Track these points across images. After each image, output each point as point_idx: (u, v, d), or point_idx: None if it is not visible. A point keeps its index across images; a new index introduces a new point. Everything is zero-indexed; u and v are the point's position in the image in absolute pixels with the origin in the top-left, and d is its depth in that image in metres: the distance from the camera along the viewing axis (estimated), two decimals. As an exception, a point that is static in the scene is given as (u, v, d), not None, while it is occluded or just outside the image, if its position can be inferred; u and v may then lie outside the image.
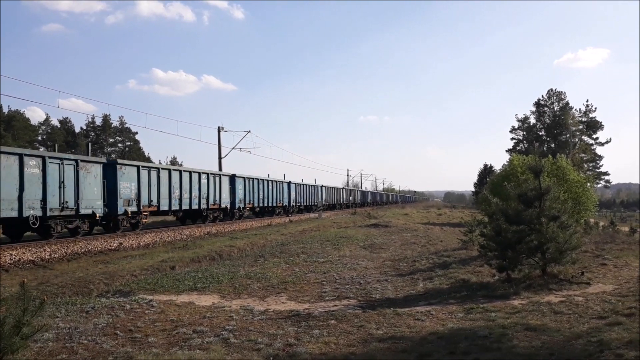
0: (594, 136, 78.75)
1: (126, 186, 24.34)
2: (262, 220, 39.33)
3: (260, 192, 42.12)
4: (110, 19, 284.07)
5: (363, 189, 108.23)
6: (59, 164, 20.30)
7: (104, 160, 24.14)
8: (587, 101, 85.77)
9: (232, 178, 36.87)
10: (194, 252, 20.02)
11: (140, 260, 17.70)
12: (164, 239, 24.71)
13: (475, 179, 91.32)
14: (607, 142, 78.34)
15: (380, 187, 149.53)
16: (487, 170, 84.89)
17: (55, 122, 79.73)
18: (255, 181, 41.18)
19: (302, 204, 53.92)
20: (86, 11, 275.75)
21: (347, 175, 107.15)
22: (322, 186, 62.11)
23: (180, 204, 29.06)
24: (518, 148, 78.59)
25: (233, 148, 49.50)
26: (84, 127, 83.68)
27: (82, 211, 21.46)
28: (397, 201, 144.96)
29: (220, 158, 47.50)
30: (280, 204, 47.03)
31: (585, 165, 75.18)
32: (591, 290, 10.48)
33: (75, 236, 21.59)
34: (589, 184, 35.14)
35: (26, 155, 18.79)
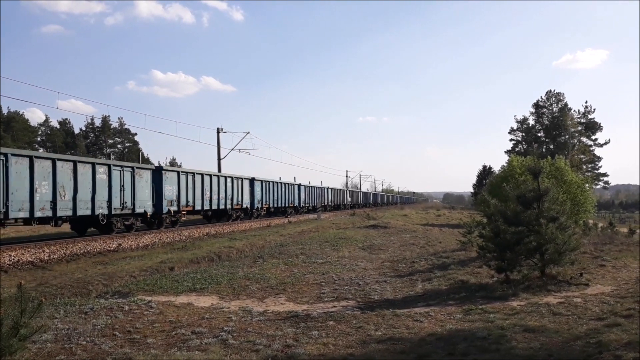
0: (593, 137, 78.80)
1: (169, 189, 27.77)
2: (260, 221, 39.37)
3: (275, 194, 45.57)
4: (109, 20, 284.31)
5: (362, 190, 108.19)
6: (120, 170, 23.89)
7: (152, 167, 27.83)
8: (586, 102, 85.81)
9: (252, 181, 40.15)
10: (193, 253, 20.01)
11: (139, 261, 17.69)
12: (163, 240, 24.69)
13: (474, 180, 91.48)
14: (605, 144, 78.42)
15: (379, 188, 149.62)
16: (486, 172, 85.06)
17: (54, 123, 79.80)
18: (271, 184, 44.73)
19: (311, 204, 56.95)
20: (85, 12, 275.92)
21: (346, 176, 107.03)
22: (328, 188, 65.49)
23: (210, 205, 32.69)
24: (517, 149, 78.62)
25: (232, 149, 49.54)
26: (83, 128, 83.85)
27: (137, 210, 25.00)
28: (396, 202, 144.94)
29: (219, 159, 47.51)
30: (292, 205, 50.44)
31: (584, 167, 75.24)
32: (590, 291, 10.49)
33: (129, 231, 24.94)
34: (587, 185, 35.13)
35: (97, 163, 22.51)
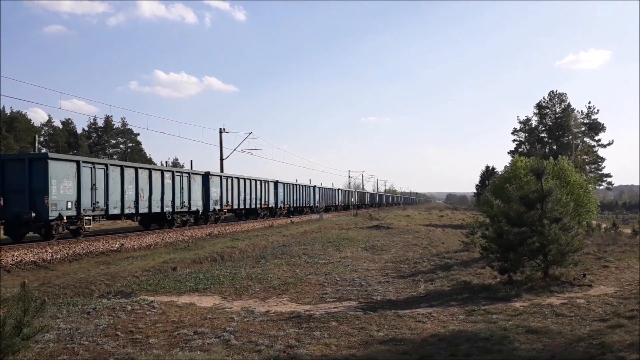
0: (596, 138, 78.68)
1: (214, 191, 33.28)
2: (263, 221, 39.46)
3: (295, 195, 51.46)
4: (112, 20, 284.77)
5: (365, 190, 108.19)
6: (180, 176, 29.52)
7: (202, 172, 32.74)
8: (589, 103, 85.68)
9: (276, 184, 45.68)
10: (196, 253, 20.03)
11: (142, 261, 17.71)
12: (166, 240, 24.72)
13: (477, 180, 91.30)
14: (609, 144, 78.30)
15: (381, 189, 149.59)
16: (489, 172, 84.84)
17: (57, 123, 79.92)
18: (291, 186, 50.63)
19: (324, 204, 62.79)
20: (88, 12, 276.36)
21: (349, 176, 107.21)
22: (339, 189, 71.78)
23: (244, 204, 38.60)
24: (520, 150, 78.52)
25: (234, 149, 49.68)
26: (86, 129, 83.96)
27: (192, 208, 30.55)
28: (399, 203, 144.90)
29: (221, 159, 47.56)
30: (308, 205, 56.31)
31: (588, 167, 75.13)
32: (593, 292, 10.46)
33: (184, 226, 29.80)
34: (590, 186, 35.06)
35: (164, 170, 28.06)
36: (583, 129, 77.90)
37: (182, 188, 29.30)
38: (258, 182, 41.17)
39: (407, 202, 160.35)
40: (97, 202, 22.77)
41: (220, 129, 47.46)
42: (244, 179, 38.45)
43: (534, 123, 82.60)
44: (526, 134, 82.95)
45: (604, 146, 78.43)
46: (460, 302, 10.18)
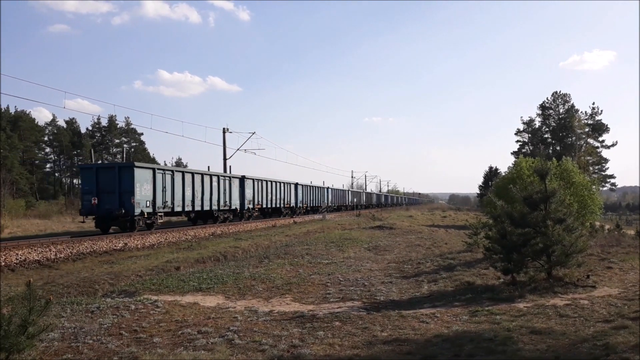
0: (600, 139, 78.49)
1: (248, 192, 39.20)
2: (266, 221, 39.54)
3: (311, 196, 57.33)
4: (116, 20, 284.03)
5: (367, 190, 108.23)
6: (224, 179, 35.17)
7: (239, 175, 38.47)
8: (593, 104, 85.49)
9: (296, 186, 51.57)
10: (199, 252, 20.06)
11: (145, 261, 17.74)
12: (169, 240, 24.76)
13: (480, 181, 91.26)
14: (613, 145, 78.08)
15: (384, 189, 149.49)
16: (492, 173, 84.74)
17: (61, 122, 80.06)
18: (308, 187, 56.64)
19: (335, 204, 68.65)
20: (92, 12, 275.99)
21: (352, 177, 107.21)
22: (349, 190, 78.57)
23: (270, 204, 44.29)
24: (523, 150, 78.39)
25: (238, 149, 49.64)
26: (90, 128, 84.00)
27: (232, 207, 36.43)
28: (402, 203, 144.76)
29: (225, 159, 47.60)
30: (324, 204, 62.41)
31: (591, 168, 74.97)
32: (597, 293, 10.44)
33: (225, 222, 35.26)
34: (594, 187, 34.98)
35: (212, 175, 33.30)
36: (587, 129, 77.70)
37: (224, 190, 34.99)
38: (282, 185, 47.13)
39: (410, 203, 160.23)
40: (166, 202, 27.90)
41: (224, 128, 47.51)
42: (272, 182, 44.33)
43: (537, 124, 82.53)
44: (530, 135, 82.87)
45: (608, 147, 78.28)
46: (463, 302, 10.17)
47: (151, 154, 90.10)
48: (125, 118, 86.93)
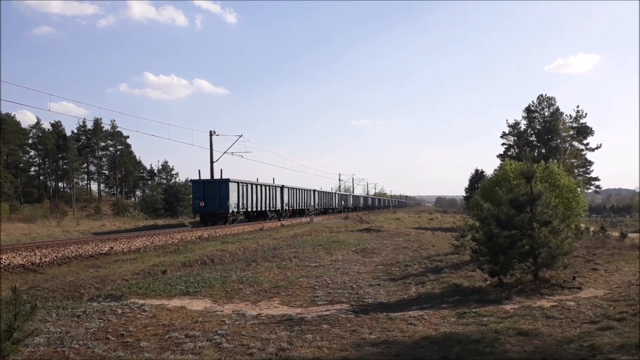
0: (585, 142, 79.21)
1: (285, 197, 52.34)
2: (253, 224, 39.45)
3: (324, 200, 70.14)
4: (102, 22, 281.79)
5: (355, 193, 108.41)
6: (271, 188, 48.07)
7: (280, 185, 51.29)
8: (578, 107, 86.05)
9: (314, 191, 64.95)
10: (186, 256, 19.96)
11: (132, 265, 17.63)
12: (155, 243, 24.63)
13: (466, 183, 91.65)
14: (597, 148, 78.86)
15: (372, 192, 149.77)
16: (478, 175, 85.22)
17: (46, 125, 79.43)
18: (324, 194, 70.88)
19: (342, 206, 78.94)
20: (78, 14, 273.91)
21: (339, 179, 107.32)
22: (336, 193, 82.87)
23: (298, 206, 57.73)
24: (509, 153, 78.88)
25: (225, 152, 49.68)
26: (75, 131, 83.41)
27: (276, 208, 49.53)
28: (389, 206, 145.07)
29: (212, 162, 47.45)
30: (331, 207, 74.36)
31: (576, 171, 75.59)
32: (583, 295, 10.52)
33: (270, 219, 46.45)
34: (579, 189, 35.25)
35: (265, 185, 46.03)
36: (572, 132, 78.39)
37: (272, 196, 48.37)
38: (304, 191, 60.58)
39: (397, 205, 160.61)
40: (243, 205, 41.32)
41: (211, 131, 47.38)
42: (297, 189, 58.00)
43: (522, 127, 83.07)
44: (515, 138, 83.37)
45: (592, 150, 79.02)
46: (451, 304, 10.21)
47: (137, 157, 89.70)
48: (111, 121, 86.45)
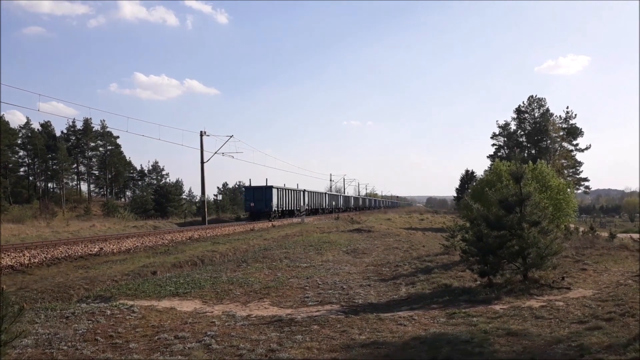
0: (574, 142, 79.63)
1: (306, 199, 63.35)
2: (244, 225, 39.37)
3: (333, 201, 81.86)
4: (92, 22, 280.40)
5: (346, 194, 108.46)
6: (295, 191, 59.69)
7: (303, 189, 62.39)
8: (567, 108, 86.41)
9: (325, 194, 77.98)
10: (176, 257, 19.91)
11: (121, 265, 17.56)
12: (145, 244, 24.53)
13: (457, 184, 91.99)
14: (587, 149, 79.28)
15: (363, 192, 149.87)
16: (468, 176, 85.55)
17: (35, 125, 78.83)
18: (335, 196, 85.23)
19: (332, 207, 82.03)
20: (68, 14, 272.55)
21: (330, 180, 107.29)
22: (326, 193, 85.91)
23: (317, 207, 70.07)
24: (499, 154, 79.17)
25: (215, 152, 49.61)
26: (65, 131, 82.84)
27: (303, 209, 58.77)
28: (380, 206, 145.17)
29: (202, 162, 47.35)
30: (338, 207, 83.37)
31: (566, 171, 75.98)
32: (571, 295, 10.58)
33: (296, 216, 54.56)
34: (569, 189, 35.41)
35: (294, 190, 59.16)
36: (561, 133, 78.77)
37: (299, 198, 61.05)
38: (320, 194, 74.54)
39: (388, 206, 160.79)
40: (280, 205, 53.20)
41: (201, 132, 47.28)
42: (317, 193, 72.89)
43: (513, 127, 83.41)
44: (505, 139, 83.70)
45: (582, 150, 79.43)
46: (441, 305, 10.23)
47: (127, 158, 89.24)
48: (101, 121, 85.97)
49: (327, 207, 77.89)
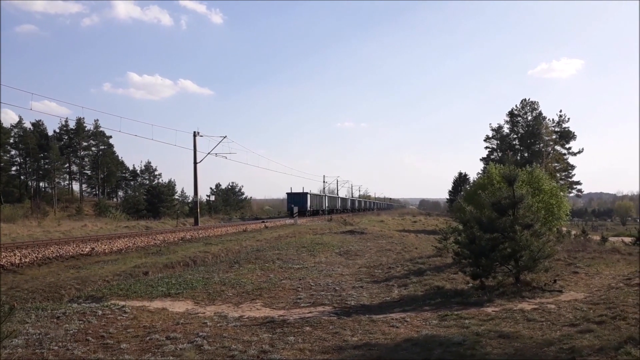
0: (567, 146, 79.94)
1: (328, 201, 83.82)
2: (236, 225, 39.30)
3: (345, 203, 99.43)
4: (86, 21, 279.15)
5: (339, 195, 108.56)
6: (327, 197, 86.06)
7: (324, 194, 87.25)
8: (560, 111, 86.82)
9: (338, 197, 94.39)
10: (168, 257, 19.85)
11: (113, 266, 17.49)
12: (137, 245, 24.45)
13: (449, 186, 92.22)
14: (579, 152, 79.61)
15: (356, 194, 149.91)
16: (461, 179, 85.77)
17: (27, 124, 78.45)
18: (347, 200, 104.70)
19: (345, 208, 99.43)
20: (61, 13, 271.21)
21: (324, 181, 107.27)
22: (346, 198, 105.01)
23: (335, 208, 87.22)
24: (492, 157, 79.39)
25: (209, 153, 49.48)
26: (57, 131, 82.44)
27: (326, 209, 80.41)
28: (373, 208, 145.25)
29: (195, 163, 47.25)
30: (346, 208, 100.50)
31: (558, 175, 76.27)
32: (563, 298, 10.61)
33: (320, 215, 71.94)
34: (562, 193, 35.51)
35: (320, 195, 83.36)
36: (554, 137, 79.04)
37: (324, 201, 78.99)
38: (338, 198, 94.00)
39: (381, 208, 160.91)
40: (312, 206, 73.31)
41: (195, 132, 47.16)
42: (335, 197, 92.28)
43: (506, 131, 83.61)
44: (498, 142, 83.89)
45: (575, 154, 79.72)
46: (433, 307, 10.24)
47: (120, 158, 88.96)
48: (95, 121, 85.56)
49: (326, 208, 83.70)
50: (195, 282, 13.67)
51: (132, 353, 7.02)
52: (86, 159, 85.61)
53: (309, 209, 70.08)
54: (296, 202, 67.17)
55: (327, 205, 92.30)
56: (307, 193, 71.48)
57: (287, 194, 73.26)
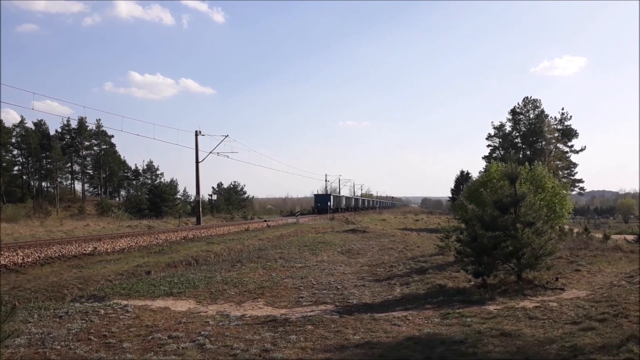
0: (569, 144, 79.82)
1: (343, 200, 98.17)
2: (239, 225, 39.33)
3: (352, 202, 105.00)
4: (87, 20, 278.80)
5: (341, 194, 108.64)
6: (338, 196, 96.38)
7: (342, 195, 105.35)
8: (563, 109, 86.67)
9: (342, 196, 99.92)
10: (170, 257, 19.87)
11: (115, 265, 17.52)
12: (139, 244, 24.49)
13: (452, 184, 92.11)
14: (581, 150, 79.48)
15: (358, 193, 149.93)
16: (463, 177, 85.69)
17: (29, 124, 78.50)
18: (350, 198, 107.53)
19: (356, 207, 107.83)
20: (63, 12, 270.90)
21: (325, 180, 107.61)
22: (348, 197, 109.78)
23: (339, 206, 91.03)
24: (494, 155, 79.28)
25: (210, 152, 49.41)
26: (59, 130, 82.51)
27: (342, 207, 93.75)
28: (375, 207, 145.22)
29: (197, 162, 47.25)
30: (360, 206, 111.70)
31: (560, 173, 76.16)
32: (565, 295, 10.60)
33: (337, 213, 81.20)
34: (564, 191, 35.46)
35: (339, 196, 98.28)
36: (556, 134, 78.89)
37: (342, 201, 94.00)
38: (352, 198, 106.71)
39: (383, 206, 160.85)
40: (334, 205, 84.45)
41: (197, 131, 47.13)
42: (349, 197, 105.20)
43: (508, 129, 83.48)
44: (500, 140, 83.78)
45: (577, 152, 79.59)
46: (435, 305, 10.24)
47: (122, 157, 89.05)
48: (96, 120, 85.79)
49: (332, 207, 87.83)
50: (197, 281, 13.69)
51: (135, 352, 7.04)
52: (88, 159, 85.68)
53: (332, 207, 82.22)
54: (321, 201, 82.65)
55: (344, 204, 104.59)
56: (330, 194, 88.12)
57: (315, 195, 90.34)
